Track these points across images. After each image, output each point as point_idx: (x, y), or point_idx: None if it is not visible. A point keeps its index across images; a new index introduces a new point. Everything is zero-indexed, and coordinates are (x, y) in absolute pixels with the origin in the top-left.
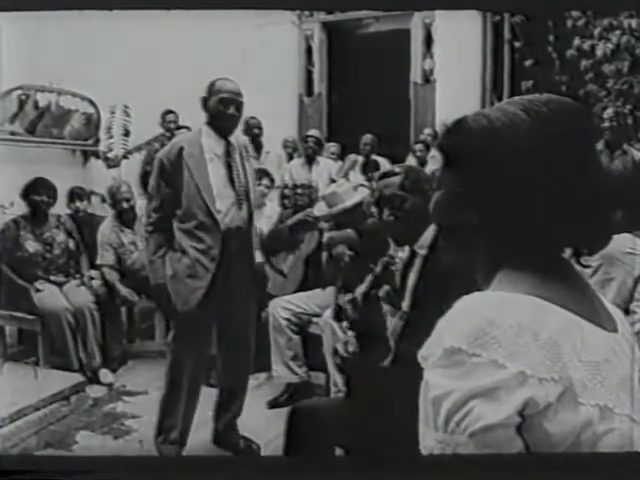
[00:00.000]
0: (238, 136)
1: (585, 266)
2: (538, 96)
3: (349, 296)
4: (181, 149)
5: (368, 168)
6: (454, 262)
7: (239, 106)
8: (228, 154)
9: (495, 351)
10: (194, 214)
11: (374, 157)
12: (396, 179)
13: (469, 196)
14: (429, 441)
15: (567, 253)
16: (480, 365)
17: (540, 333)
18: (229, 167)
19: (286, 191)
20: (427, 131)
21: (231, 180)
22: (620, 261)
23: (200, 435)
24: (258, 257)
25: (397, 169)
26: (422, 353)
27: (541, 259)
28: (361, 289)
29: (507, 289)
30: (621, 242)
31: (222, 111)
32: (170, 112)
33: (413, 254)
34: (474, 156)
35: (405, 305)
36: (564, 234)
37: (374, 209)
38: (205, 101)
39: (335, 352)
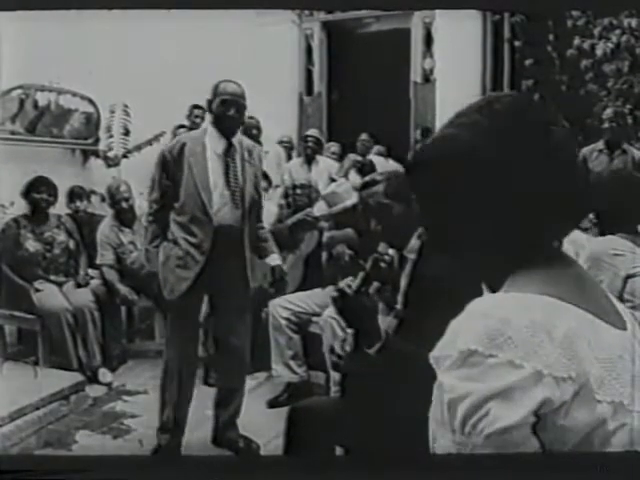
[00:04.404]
0: (244, 139)
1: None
2: (492, 94)
3: (342, 284)
4: (183, 145)
5: (364, 168)
6: (464, 270)
7: (240, 108)
8: (227, 154)
9: (511, 351)
10: (190, 208)
11: (370, 157)
12: (379, 187)
13: (465, 216)
14: (445, 442)
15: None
16: (496, 366)
17: (555, 332)
18: (227, 166)
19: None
20: (418, 132)
21: (227, 179)
22: (607, 263)
23: (200, 435)
24: (276, 259)
25: (378, 177)
26: (434, 354)
27: (551, 259)
28: (353, 286)
29: (519, 290)
30: (607, 244)
31: (223, 112)
32: (197, 107)
33: (403, 258)
34: (453, 176)
35: (399, 306)
36: (546, 226)
37: (361, 219)
38: (209, 103)
39: (332, 350)
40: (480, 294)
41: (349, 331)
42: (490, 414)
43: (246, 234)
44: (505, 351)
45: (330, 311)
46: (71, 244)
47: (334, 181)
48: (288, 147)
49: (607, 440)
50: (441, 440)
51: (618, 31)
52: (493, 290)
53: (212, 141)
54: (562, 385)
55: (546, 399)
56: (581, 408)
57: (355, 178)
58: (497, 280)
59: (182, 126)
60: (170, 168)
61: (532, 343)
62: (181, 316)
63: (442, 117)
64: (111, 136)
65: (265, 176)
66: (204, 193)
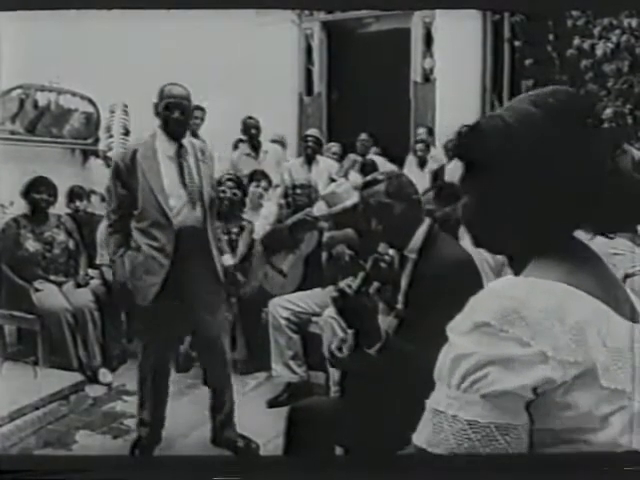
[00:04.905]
0: (194, 139)
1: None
2: (543, 89)
3: (343, 284)
4: (135, 152)
5: (366, 167)
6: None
7: (185, 110)
8: (179, 155)
9: (521, 329)
10: (149, 213)
11: (371, 157)
12: (380, 187)
13: (497, 195)
14: (439, 395)
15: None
16: (505, 339)
17: (567, 318)
18: (180, 167)
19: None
20: (421, 130)
21: (183, 180)
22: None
23: (199, 435)
24: (228, 260)
25: (379, 177)
26: (451, 325)
27: (572, 249)
28: (353, 286)
29: (539, 276)
30: (606, 243)
31: (168, 116)
32: (198, 108)
33: (403, 258)
34: (495, 157)
35: (399, 306)
36: (585, 217)
37: (362, 219)
38: (156, 106)
39: (328, 348)
40: None
41: (349, 331)
42: (489, 376)
43: (210, 233)
44: (516, 328)
45: (330, 311)
46: (71, 244)
47: (334, 181)
48: (281, 146)
49: (606, 420)
50: (436, 393)
51: (618, 31)
52: (515, 273)
53: (162, 144)
54: (566, 368)
55: (547, 378)
56: (583, 390)
57: (356, 178)
58: (519, 264)
59: None
60: (124, 176)
61: (543, 326)
62: (154, 321)
63: (442, 117)
64: (111, 136)
65: (265, 175)
66: (160, 196)
